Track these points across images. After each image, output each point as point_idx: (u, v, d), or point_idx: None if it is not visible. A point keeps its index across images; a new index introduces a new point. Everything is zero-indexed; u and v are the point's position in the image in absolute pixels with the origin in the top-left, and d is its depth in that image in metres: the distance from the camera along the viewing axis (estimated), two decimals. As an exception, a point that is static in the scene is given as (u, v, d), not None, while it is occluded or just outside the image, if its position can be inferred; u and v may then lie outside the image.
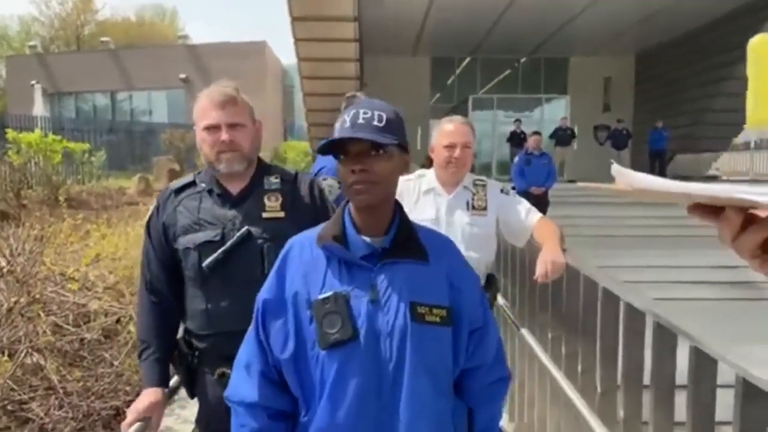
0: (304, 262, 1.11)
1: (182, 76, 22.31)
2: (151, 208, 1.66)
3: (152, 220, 1.63)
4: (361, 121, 1.06)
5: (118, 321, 2.88)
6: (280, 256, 1.16)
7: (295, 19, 11.16)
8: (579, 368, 1.99)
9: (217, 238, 1.54)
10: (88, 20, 34.08)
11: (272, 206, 1.58)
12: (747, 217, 0.46)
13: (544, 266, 1.83)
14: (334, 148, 1.08)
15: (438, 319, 1.08)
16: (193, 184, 1.63)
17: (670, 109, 15.43)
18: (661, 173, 13.27)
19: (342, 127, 1.07)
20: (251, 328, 1.17)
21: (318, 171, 2.52)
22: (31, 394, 2.49)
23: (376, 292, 1.06)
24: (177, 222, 1.58)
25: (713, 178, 14.95)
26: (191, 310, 1.60)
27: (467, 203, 2.14)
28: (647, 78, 17.40)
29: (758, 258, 0.47)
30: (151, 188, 13.08)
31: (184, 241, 1.56)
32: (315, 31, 11.51)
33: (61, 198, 8.45)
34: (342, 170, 1.07)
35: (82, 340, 2.86)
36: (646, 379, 1.53)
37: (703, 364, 1.20)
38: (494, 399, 1.23)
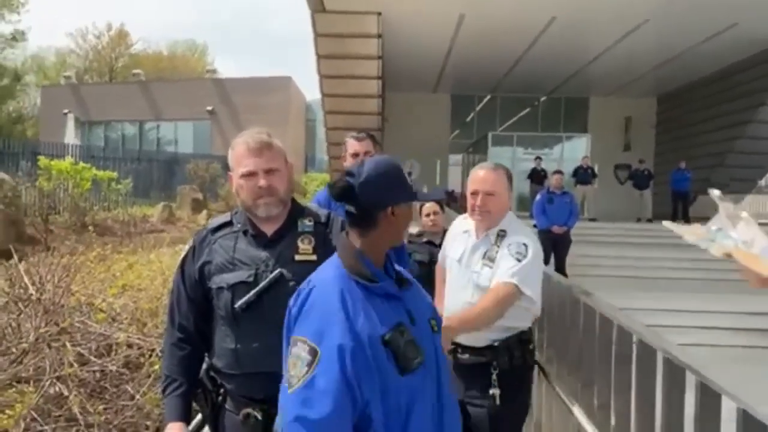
0: (358, 301, 1.21)
1: (209, 108, 22.97)
2: (186, 247, 1.69)
3: (187, 260, 1.65)
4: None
5: (141, 354, 2.89)
6: (335, 297, 1.21)
7: (320, 57, 11.47)
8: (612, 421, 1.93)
9: (251, 278, 1.55)
10: (122, 53, 35.51)
11: (305, 249, 1.60)
12: None
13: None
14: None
15: (437, 329, 1.33)
16: (230, 223, 1.65)
17: (691, 151, 15.30)
18: (684, 214, 13.05)
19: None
20: (330, 379, 1.13)
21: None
22: (53, 425, 2.49)
23: (412, 315, 1.25)
24: (212, 260, 1.60)
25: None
26: (220, 348, 1.61)
27: (485, 253, 2.13)
28: (668, 119, 17.35)
29: None
30: (174, 216, 13.28)
31: (218, 280, 1.58)
32: (340, 69, 11.80)
33: (88, 225, 8.63)
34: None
35: (104, 371, 2.86)
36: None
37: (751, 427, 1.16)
38: None
